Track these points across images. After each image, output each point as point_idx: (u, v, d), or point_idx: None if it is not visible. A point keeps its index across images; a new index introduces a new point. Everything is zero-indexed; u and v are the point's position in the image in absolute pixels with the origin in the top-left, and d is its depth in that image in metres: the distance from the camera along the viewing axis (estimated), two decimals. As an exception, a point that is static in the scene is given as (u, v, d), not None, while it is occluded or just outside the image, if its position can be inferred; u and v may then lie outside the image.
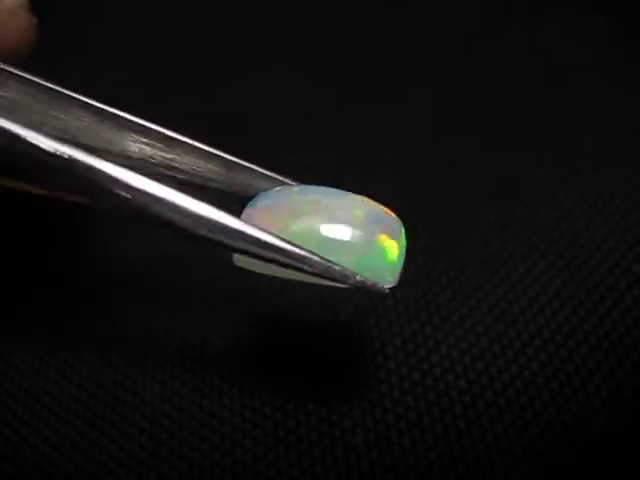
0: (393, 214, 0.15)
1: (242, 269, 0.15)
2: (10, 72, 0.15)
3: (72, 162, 0.13)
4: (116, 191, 0.13)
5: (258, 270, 0.15)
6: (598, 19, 0.25)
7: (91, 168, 0.13)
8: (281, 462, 0.17)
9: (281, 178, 0.17)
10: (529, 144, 0.22)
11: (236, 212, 0.15)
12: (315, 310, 0.19)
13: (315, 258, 0.14)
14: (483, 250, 0.19)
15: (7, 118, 0.13)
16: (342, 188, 0.16)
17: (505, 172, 0.21)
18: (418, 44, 0.25)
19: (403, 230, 0.15)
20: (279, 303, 0.19)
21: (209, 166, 0.16)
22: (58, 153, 0.13)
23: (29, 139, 0.13)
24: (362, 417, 0.17)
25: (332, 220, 0.14)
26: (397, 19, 0.26)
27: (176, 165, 0.16)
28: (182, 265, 0.20)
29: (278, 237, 0.14)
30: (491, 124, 0.23)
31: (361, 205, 0.15)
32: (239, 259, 0.15)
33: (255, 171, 0.16)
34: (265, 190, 0.16)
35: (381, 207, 0.15)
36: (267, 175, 0.16)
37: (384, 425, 0.17)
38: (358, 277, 0.14)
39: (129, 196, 0.13)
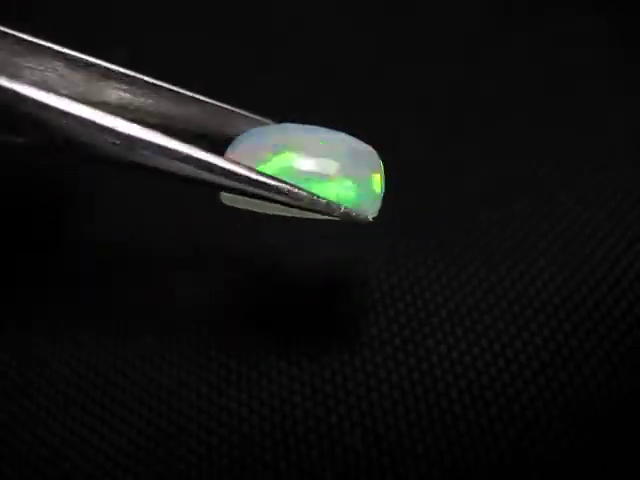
0: (371, 148, 0.16)
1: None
2: None
3: (50, 109, 0.13)
4: (102, 137, 0.13)
5: (245, 207, 0.15)
6: (599, 20, 0.25)
7: (78, 117, 0.13)
8: (280, 464, 0.17)
9: (258, 117, 0.17)
10: (530, 145, 0.22)
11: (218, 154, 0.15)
12: (315, 302, 0.19)
13: (301, 192, 0.14)
14: (483, 249, 0.19)
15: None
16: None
17: (506, 172, 0.21)
18: (419, 45, 0.25)
19: (382, 163, 0.16)
20: (279, 298, 0.20)
21: (187, 110, 0.16)
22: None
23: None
24: (361, 418, 0.17)
25: (316, 155, 0.15)
26: (398, 20, 0.26)
27: (154, 110, 0.16)
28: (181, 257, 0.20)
29: (264, 173, 0.14)
30: (492, 125, 0.23)
31: (343, 140, 0.15)
32: (226, 197, 0.15)
33: (232, 112, 0.17)
34: (244, 131, 0.16)
35: (362, 143, 0.16)
36: (244, 115, 0.17)
37: (383, 426, 0.17)
38: (343, 209, 0.14)
39: (115, 141, 0.13)
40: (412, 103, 0.24)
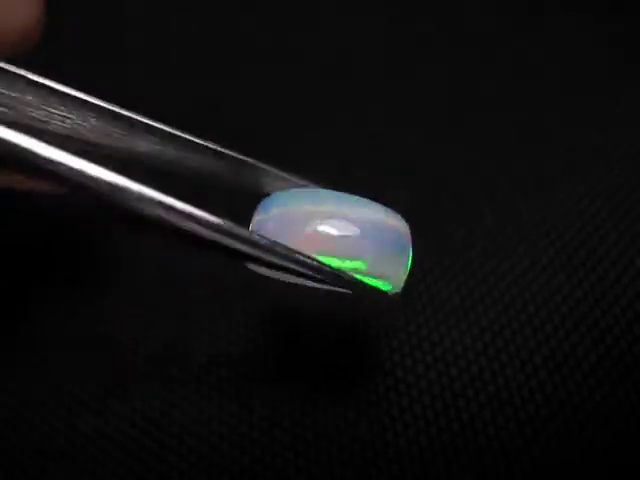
0: (403, 223, 0.16)
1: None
2: (16, 73, 0.15)
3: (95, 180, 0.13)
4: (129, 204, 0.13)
5: (269, 275, 0.15)
6: (599, 20, 0.25)
7: (115, 185, 0.13)
8: (288, 453, 0.17)
9: (291, 178, 0.17)
10: (531, 144, 0.22)
11: (248, 210, 0.16)
12: (319, 304, 0.19)
13: (325, 268, 0.14)
14: (487, 246, 0.20)
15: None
16: (343, 188, 0.16)
17: (507, 170, 0.22)
18: (420, 44, 0.26)
19: (410, 249, 0.16)
20: (283, 297, 0.20)
21: (218, 164, 0.16)
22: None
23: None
24: (367, 409, 0.17)
25: (347, 229, 0.15)
26: (399, 20, 0.27)
27: (186, 163, 0.16)
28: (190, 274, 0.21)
29: (290, 249, 0.14)
30: (493, 123, 0.23)
31: (377, 213, 0.15)
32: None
33: (264, 170, 0.17)
34: (276, 190, 0.16)
35: (394, 217, 0.16)
36: (276, 174, 0.16)
37: (389, 417, 0.17)
38: (365, 285, 0.15)
39: (138, 207, 0.13)
40: (414, 102, 0.24)
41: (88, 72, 0.24)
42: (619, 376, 0.17)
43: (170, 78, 0.26)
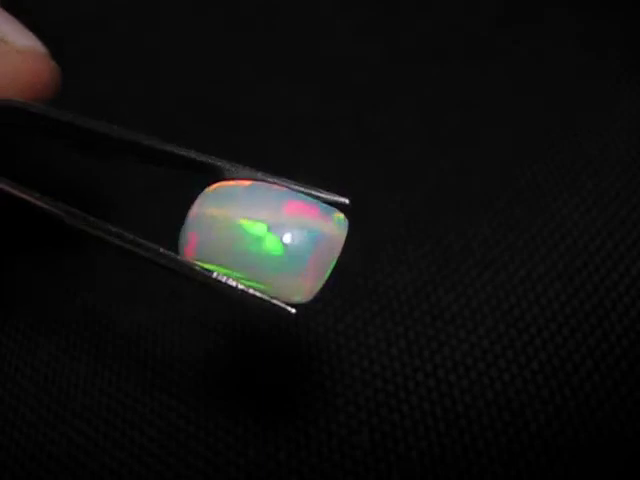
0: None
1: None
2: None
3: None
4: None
5: None
6: (599, 21, 0.25)
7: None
8: (292, 460, 0.17)
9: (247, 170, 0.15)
10: (530, 149, 0.23)
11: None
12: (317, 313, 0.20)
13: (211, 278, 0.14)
14: (485, 255, 0.20)
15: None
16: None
17: (506, 177, 0.22)
18: (421, 46, 0.26)
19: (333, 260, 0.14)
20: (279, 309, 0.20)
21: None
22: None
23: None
24: (368, 417, 0.18)
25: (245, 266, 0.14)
26: (399, 21, 0.27)
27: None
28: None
29: (190, 263, 0.14)
30: (492, 128, 0.23)
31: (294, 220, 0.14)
32: None
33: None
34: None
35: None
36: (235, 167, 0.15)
37: (389, 424, 0.17)
38: (272, 301, 0.14)
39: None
40: (412, 106, 0.24)
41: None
42: (614, 382, 0.17)
43: (171, 79, 0.26)
